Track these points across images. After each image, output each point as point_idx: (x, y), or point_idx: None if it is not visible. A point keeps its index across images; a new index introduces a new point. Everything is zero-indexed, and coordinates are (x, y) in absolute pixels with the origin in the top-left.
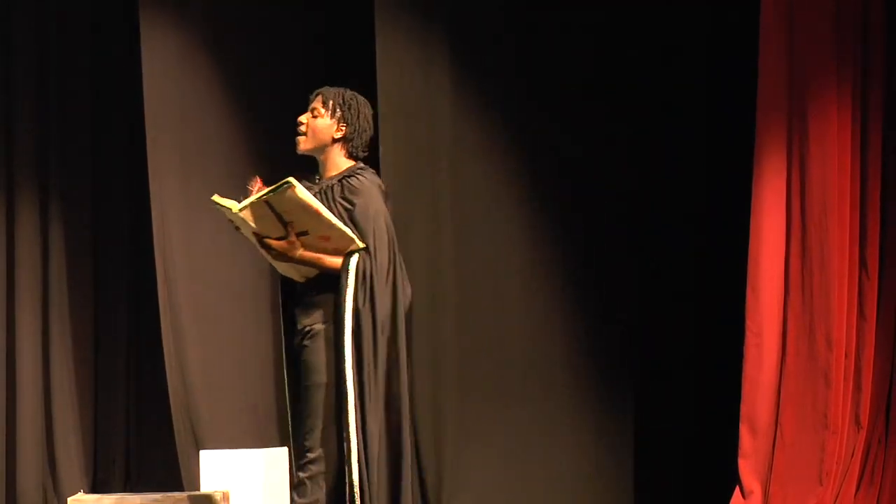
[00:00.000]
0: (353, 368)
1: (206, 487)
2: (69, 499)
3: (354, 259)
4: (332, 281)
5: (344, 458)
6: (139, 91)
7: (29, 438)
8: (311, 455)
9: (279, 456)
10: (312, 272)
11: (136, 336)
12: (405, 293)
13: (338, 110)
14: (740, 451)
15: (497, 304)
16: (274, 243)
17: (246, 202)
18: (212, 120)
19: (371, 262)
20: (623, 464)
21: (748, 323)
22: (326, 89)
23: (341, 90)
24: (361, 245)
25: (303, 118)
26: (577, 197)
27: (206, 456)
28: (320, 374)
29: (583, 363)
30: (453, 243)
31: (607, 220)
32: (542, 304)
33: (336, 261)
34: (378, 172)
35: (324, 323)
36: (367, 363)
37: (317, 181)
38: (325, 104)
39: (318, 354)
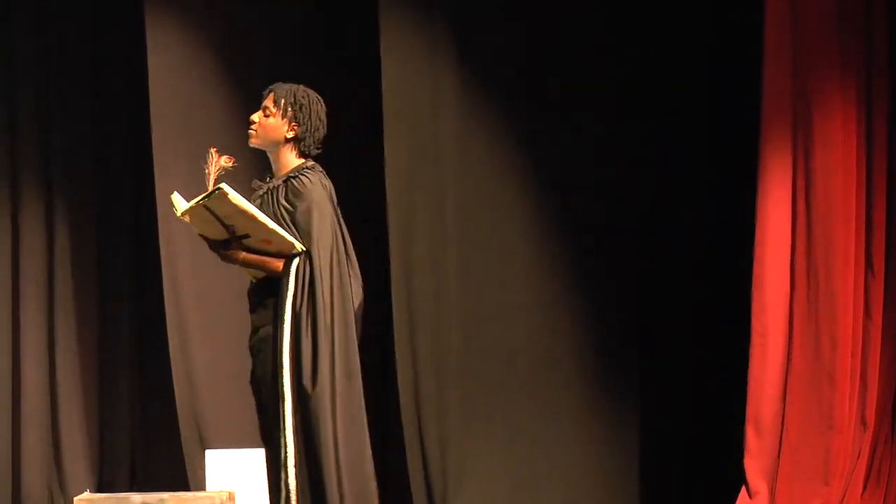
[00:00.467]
0: (290, 371)
1: (211, 487)
2: (75, 498)
3: (295, 262)
4: (277, 283)
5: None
6: (144, 90)
7: (34, 438)
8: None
9: (258, 457)
10: (260, 273)
11: (141, 336)
12: (355, 294)
13: (289, 109)
14: (746, 451)
15: (501, 303)
16: (220, 247)
17: (187, 206)
18: (217, 119)
19: (310, 266)
20: (628, 462)
21: (753, 323)
22: (278, 86)
23: (293, 87)
24: (301, 248)
25: (255, 117)
26: (582, 196)
27: (211, 456)
28: (266, 375)
29: (587, 361)
30: (458, 242)
31: (612, 220)
32: (546, 303)
33: (279, 263)
34: (382, 172)
35: (267, 325)
36: (306, 367)
37: (268, 180)
38: (276, 103)
39: (264, 355)
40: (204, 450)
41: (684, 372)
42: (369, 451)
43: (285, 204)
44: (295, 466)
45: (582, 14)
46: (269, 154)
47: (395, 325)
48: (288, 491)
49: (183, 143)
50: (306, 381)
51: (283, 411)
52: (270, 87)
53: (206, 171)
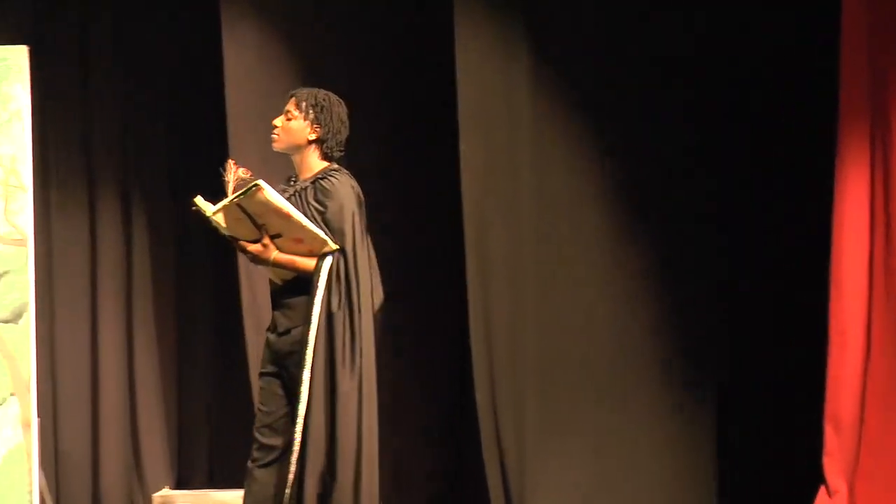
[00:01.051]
0: (323, 370)
1: None
2: (154, 495)
3: (328, 261)
4: (308, 283)
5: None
6: (220, 88)
7: (113, 435)
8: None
9: None
10: (290, 275)
11: (218, 333)
12: (377, 295)
13: (311, 112)
14: (825, 450)
15: (578, 306)
16: (249, 247)
17: (219, 205)
18: None
19: (346, 264)
20: (705, 463)
21: (832, 322)
22: (300, 91)
23: (315, 91)
24: (335, 246)
25: (277, 122)
26: (660, 196)
27: None
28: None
29: (665, 363)
30: (534, 243)
31: (690, 220)
32: (623, 305)
33: (310, 263)
34: (458, 173)
35: (299, 325)
36: (341, 365)
37: (292, 183)
38: (298, 106)
39: (296, 357)
40: None
41: (763, 372)
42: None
43: (315, 204)
44: (296, 462)
45: (657, 12)
46: (292, 157)
47: (472, 328)
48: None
49: (259, 144)
50: (341, 378)
51: (300, 406)
52: (292, 91)
53: (226, 180)
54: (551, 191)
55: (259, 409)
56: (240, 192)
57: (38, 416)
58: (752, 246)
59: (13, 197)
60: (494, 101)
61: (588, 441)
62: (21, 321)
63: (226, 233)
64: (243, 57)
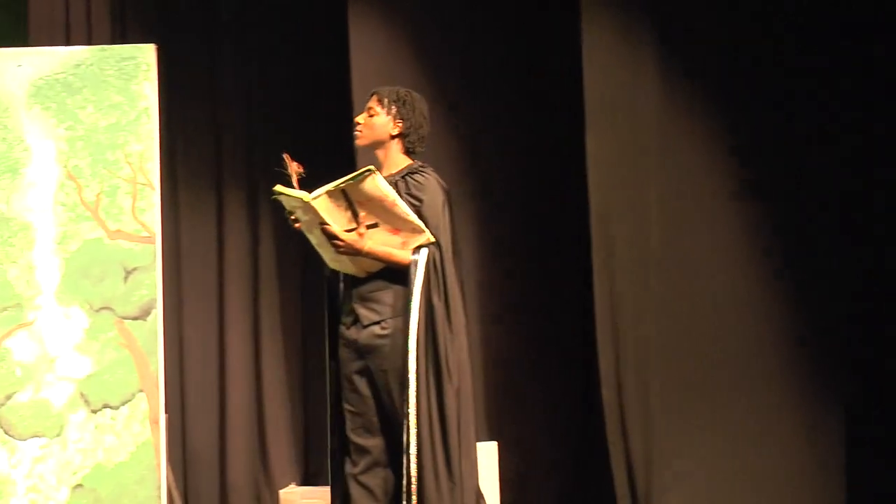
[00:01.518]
0: (423, 361)
1: None
2: (281, 491)
3: (424, 253)
4: (396, 275)
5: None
6: (348, 86)
7: (240, 431)
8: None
9: (489, 451)
10: (376, 266)
11: None
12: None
13: (393, 107)
14: None
15: (705, 296)
16: (346, 236)
17: (322, 190)
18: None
19: (441, 256)
20: (834, 461)
21: None
22: (381, 88)
23: (395, 88)
24: (432, 239)
25: (359, 119)
26: (789, 190)
27: None
28: (395, 366)
29: (792, 358)
30: (660, 238)
31: (818, 214)
32: (751, 297)
33: (405, 255)
34: (584, 168)
35: (392, 317)
36: (444, 358)
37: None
38: (380, 102)
39: (391, 347)
40: None
41: (893, 368)
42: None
43: (409, 198)
44: (417, 455)
45: (788, 3)
46: (376, 153)
47: (598, 319)
48: (409, 477)
49: None
50: (444, 371)
51: (408, 398)
52: (372, 90)
53: (288, 173)
54: (678, 186)
55: (348, 411)
56: (350, 177)
57: (167, 412)
58: (884, 240)
59: (141, 194)
60: (621, 95)
61: (715, 436)
62: (149, 318)
63: (314, 221)
64: (370, 54)
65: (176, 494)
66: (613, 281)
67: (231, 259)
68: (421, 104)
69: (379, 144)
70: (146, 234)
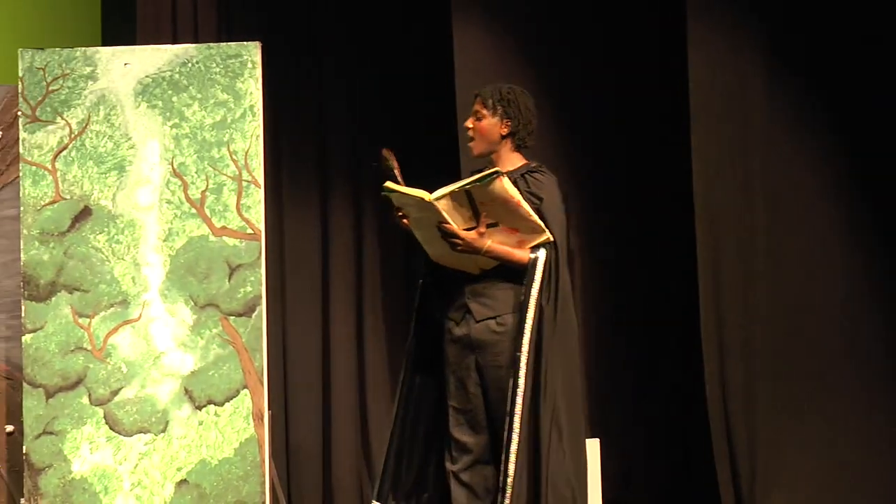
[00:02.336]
0: (532, 360)
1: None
2: None
3: (543, 253)
4: (511, 272)
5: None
6: (451, 84)
7: (344, 428)
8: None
9: (591, 448)
10: (491, 263)
11: None
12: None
13: (499, 108)
14: None
15: (812, 295)
16: (466, 235)
17: (445, 190)
18: None
19: (556, 256)
20: None
21: None
22: (483, 90)
23: (499, 86)
24: (551, 238)
25: (468, 123)
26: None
27: None
28: (504, 363)
29: None
30: (765, 235)
31: None
32: (858, 295)
33: (524, 254)
34: (689, 164)
35: (507, 314)
36: (546, 355)
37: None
38: (485, 105)
39: (501, 346)
40: None
41: None
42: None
43: (530, 196)
44: (516, 453)
45: None
46: (491, 156)
47: (702, 317)
48: (507, 474)
49: None
50: (545, 372)
51: (516, 397)
52: (475, 92)
53: (393, 168)
54: (783, 183)
55: (453, 408)
56: (476, 178)
57: (270, 408)
58: None
59: (246, 192)
60: (727, 93)
61: (821, 432)
62: (254, 315)
63: (431, 220)
64: (473, 52)
65: (279, 490)
66: (718, 278)
67: (335, 256)
68: (525, 99)
69: (492, 146)
70: (251, 231)
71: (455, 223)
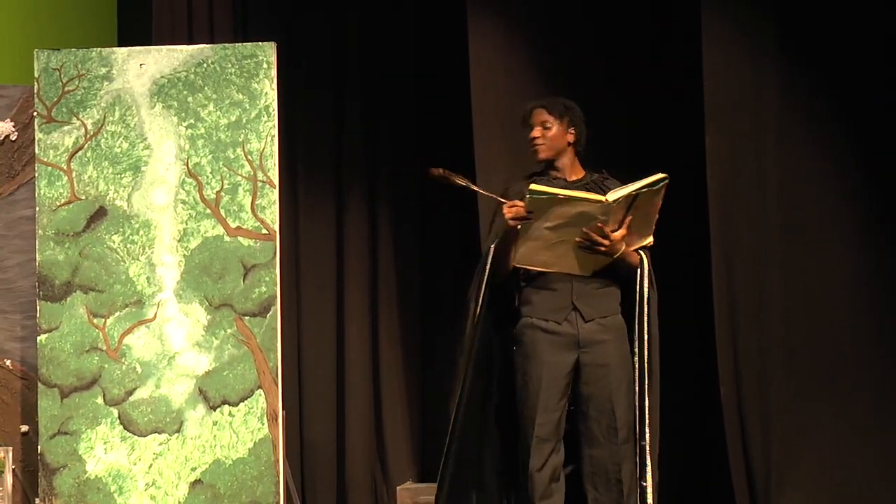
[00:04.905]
0: (649, 358)
1: None
2: (399, 487)
3: (646, 256)
4: (615, 274)
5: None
6: (466, 86)
7: (358, 427)
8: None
9: None
10: (603, 264)
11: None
12: None
13: (565, 117)
14: None
15: (826, 296)
16: (615, 237)
17: (620, 193)
18: None
19: (650, 260)
20: None
21: None
22: (544, 102)
23: (558, 99)
24: (651, 243)
25: (535, 133)
26: None
27: None
28: (626, 366)
29: None
30: (779, 234)
31: None
32: (874, 296)
33: (634, 256)
34: (703, 163)
35: (614, 314)
36: (653, 353)
37: (558, 182)
38: (551, 114)
39: (608, 345)
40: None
41: None
42: None
43: None
44: (650, 451)
45: None
46: (556, 162)
47: (717, 318)
48: (644, 471)
49: (504, 145)
50: (655, 367)
51: (645, 395)
52: (531, 105)
53: (457, 180)
54: (797, 182)
55: (543, 407)
56: (648, 183)
57: (284, 408)
58: None
59: (261, 192)
60: (741, 93)
61: (835, 434)
62: (268, 315)
63: (578, 223)
64: (488, 55)
65: (293, 490)
66: (733, 279)
67: (350, 256)
68: (579, 109)
69: (560, 154)
70: (266, 231)
71: (578, 226)
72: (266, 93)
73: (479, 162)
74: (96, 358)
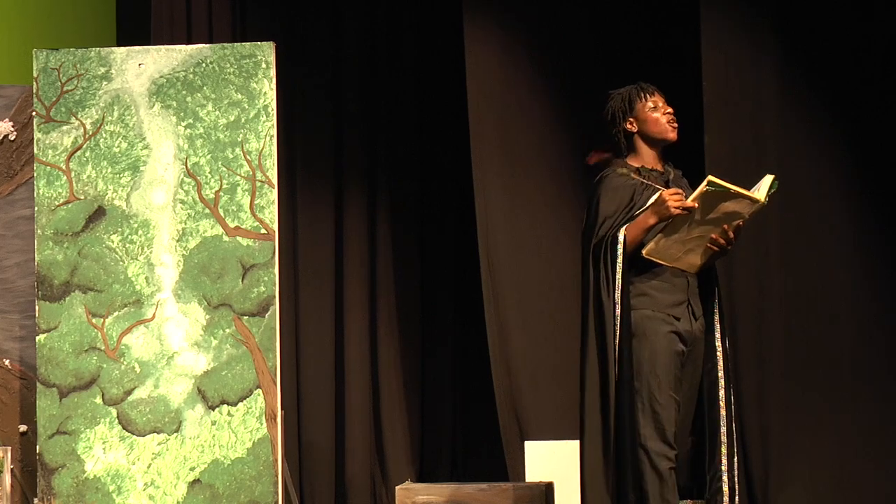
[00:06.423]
0: (727, 356)
1: (531, 478)
2: (397, 487)
3: None
4: (707, 272)
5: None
6: (463, 88)
7: (357, 427)
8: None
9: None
10: (710, 263)
11: (460, 328)
12: None
13: None
14: None
15: (825, 301)
16: (732, 234)
17: (764, 192)
18: (534, 115)
19: None
20: None
21: None
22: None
23: None
24: None
25: (671, 110)
26: None
27: (531, 447)
28: (719, 364)
29: None
30: (779, 236)
31: None
32: (873, 302)
33: None
34: (703, 163)
35: (706, 315)
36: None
37: (646, 173)
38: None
39: (702, 342)
40: (523, 441)
41: None
42: None
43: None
44: (727, 448)
45: None
46: (659, 149)
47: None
48: (732, 481)
49: (499, 142)
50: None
51: (723, 402)
52: (649, 86)
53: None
54: (796, 182)
55: (675, 400)
56: (774, 183)
57: (283, 408)
58: None
59: (260, 192)
60: (739, 91)
61: (836, 439)
62: (267, 315)
63: (728, 219)
64: (484, 52)
65: (292, 490)
66: (731, 281)
67: (348, 256)
68: None
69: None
70: (265, 231)
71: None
72: (265, 92)
73: (476, 161)
74: (95, 358)
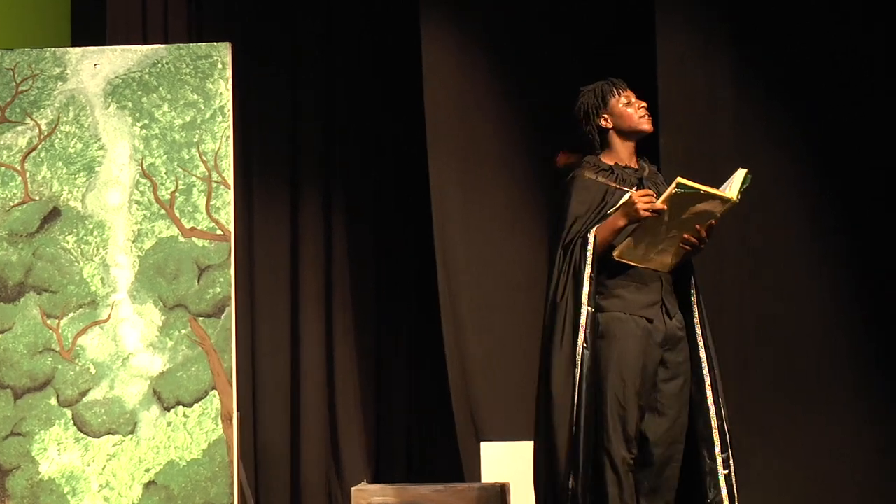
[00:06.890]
0: (713, 358)
1: (486, 479)
2: (353, 488)
3: None
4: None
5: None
6: (420, 88)
7: (312, 429)
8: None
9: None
10: (682, 262)
11: (417, 328)
12: None
13: None
14: None
15: (782, 305)
16: (704, 233)
17: (736, 191)
18: (491, 115)
19: None
20: None
21: None
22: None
23: None
24: None
25: (644, 104)
26: (870, 190)
27: (486, 447)
28: (687, 361)
29: (870, 368)
30: (737, 237)
31: None
32: (833, 308)
33: None
34: (658, 164)
35: (685, 311)
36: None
37: (619, 171)
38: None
39: (683, 342)
40: (479, 441)
41: None
42: None
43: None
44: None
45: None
46: (633, 143)
47: None
48: (730, 483)
49: (456, 141)
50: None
51: (718, 405)
52: (620, 81)
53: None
54: (753, 182)
55: (639, 405)
56: (746, 178)
57: (239, 409)
58: None
59: (216, 193)
60: (694, 91)
61: (791, 444)
62: (223, 316)
63: (705, 218)
64: (441, 53)
65: (248, 491)
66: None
67: (305, 257)
68: None
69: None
70: (221, 232)
71: (691, 222)
72: (221, 93)
73: (433, 161)
74: (49, 359)
